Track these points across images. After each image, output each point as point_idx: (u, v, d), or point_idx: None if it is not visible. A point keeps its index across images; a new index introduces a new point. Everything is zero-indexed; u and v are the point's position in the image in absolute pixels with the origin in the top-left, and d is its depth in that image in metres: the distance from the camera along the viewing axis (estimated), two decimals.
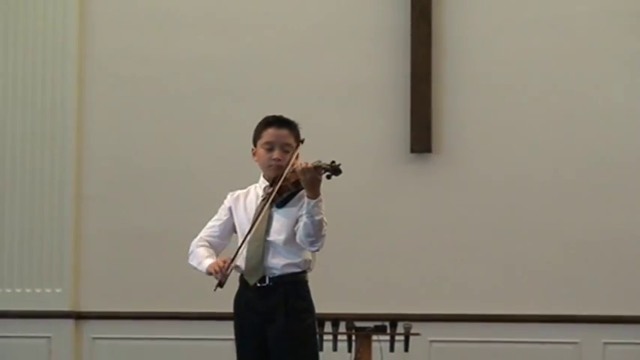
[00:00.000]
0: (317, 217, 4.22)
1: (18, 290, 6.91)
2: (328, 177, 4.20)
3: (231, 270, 4.33)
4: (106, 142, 7.03)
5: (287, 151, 4.42)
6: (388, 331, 5.94)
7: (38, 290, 6.90)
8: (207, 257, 4.45)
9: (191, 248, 4.54)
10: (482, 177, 6.82)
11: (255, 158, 4.53)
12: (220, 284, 4.30)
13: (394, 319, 6.00)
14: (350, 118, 6.79)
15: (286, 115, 4.60)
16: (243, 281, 4.44)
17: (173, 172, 6.96)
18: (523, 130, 6.83)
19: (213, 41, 7.03)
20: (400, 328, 5.98)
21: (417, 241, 6.80)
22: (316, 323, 4.55)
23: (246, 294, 4.42)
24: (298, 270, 4.39)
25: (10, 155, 7.00)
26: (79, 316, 6.92)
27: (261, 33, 7.01)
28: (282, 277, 4.35)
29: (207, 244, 4.54)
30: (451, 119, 6.85)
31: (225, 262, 4.32)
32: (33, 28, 7.04)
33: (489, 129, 6.84)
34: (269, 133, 4.46)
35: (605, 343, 6.65)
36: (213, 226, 4.57)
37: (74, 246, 6.94)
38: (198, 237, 4.57)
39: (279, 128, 4.46)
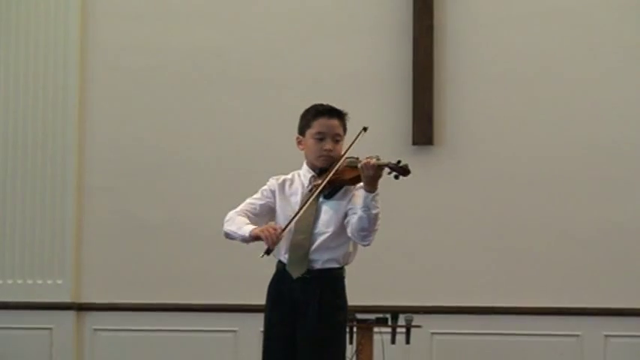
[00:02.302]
0: (374, 211, 4.18)
1: (19, 282, 6.91)
2: (396, 177, 4.15)
3: (281, 239, 4.25)
4: (108, 133, 7.02)
5: (337, 141, 4.38)
6: (389, 323, 5.95)
7: (40, 282, 6.90)
8: (248, 224, 4.35)
9: (229, 216, 4.42)
10: (483, 169, 6.81)
11: (302, 147, 4.46)
12: (268, 252, 4.23)
13: (395, 312, 6.01)
14: (352, 110, 6.72)
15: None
16: (279, 271, 4.39)
17: (175, 163, 6.95)
18: (525, 123, 6.82)
19: (215, 32, 7.02)
20: (401, 320, 5.98)
21: (419, 233, 6.80)
22: (347, 320, 4.47)
23: (281, 285, 4.37)
24: (337, 265, 4.35)
25: (13, 146, 6.99)
26: (81, 308, 6.92)
27: (264, 23, 7.00)
28: (321, 271, 4.31)
29: (245, 216, 4.43)
30: (453, 111, 6.85)
31: (276, 229, 4.23)
32: (35, 19, 7.02)
33: (491, 121, 6.84)
34: (320, 123, 4.40)
35: (607, 336, 6.66)
36: (253, 203, 4.46)
37: (76, 237, 6.94)
38: (236, 209, 4.45)
39: (330, 118, 4.41)
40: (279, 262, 4.40)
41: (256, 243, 4.32)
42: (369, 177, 4.15)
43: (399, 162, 4.14)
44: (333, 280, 4.35)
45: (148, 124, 7.01)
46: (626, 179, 6.73)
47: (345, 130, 4.45)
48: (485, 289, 6.72)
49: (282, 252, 4.37)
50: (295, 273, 4.32)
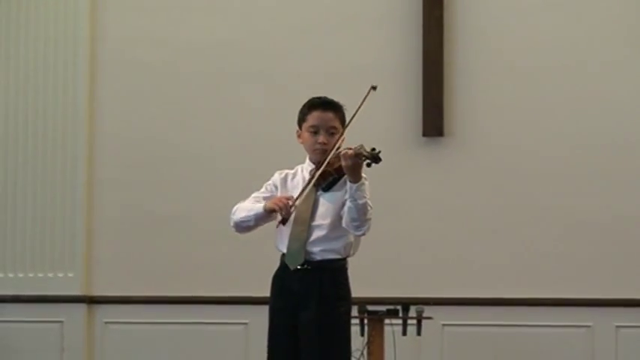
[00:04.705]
0: (360, 202, 4.20)
1: (31, 275, 6.93)
2: (368, 165, 4.16)
3: (294, 208, 4.29)
4: (118, 126, 7.03)
5: (332, 134, 4.39)
6: (400, 315, 5.95)
7: (51, 275, 6.92)
8: (258, 203, 4.41)
9: (235, 208, 4.46)
10: (494, 160, 6.81)
11: (300, 141, 4.49)
12: (284, 221, 4.29)
13: (406, 303, 6.00)
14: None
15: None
16: (282, 263, 4.41)
17: (185, 156, 6.96)
18: (535, 114, 6.81)
19: (224, 25, 7.02)
20: (412, 311, 5.98)
21: (429, 224, 6.79)
22: (351, 311, 4.47)
23: (283, 276, 4.39)
24: (338, 257, 4.36)
25: (23, 140, 7.00)
26: (92, 301, 6.94)
27: (273, 16, 7.00)
28: (321, 262, 4.33)
29: None
30: (463, 103, 6.84)
31: (288, 198, 4.30)
32: (45, 12, 7.03)
33: (502, 113, 6.83)
34: (314, 117, 4.42)
35: (618, 327, 6.65)
36: (257, 197, 4.49)
37: (86, 230, 6.95)
38: (241, 202, 4.49)
39: (325, 111, 4.42)
40: (283, 254, 4.42)
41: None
42: (348, 166, 4.17)
43: (373, 149, 4.15)
44: (333, 271, 4.35)
45: (158, 117, 7.02)
46: (637, 170, 6.71)
47: (342, 122, 4.44)
48: (495, 281, 6.71)
49: (283, 244, 4.39)
50: (292, 265, 4.35)
